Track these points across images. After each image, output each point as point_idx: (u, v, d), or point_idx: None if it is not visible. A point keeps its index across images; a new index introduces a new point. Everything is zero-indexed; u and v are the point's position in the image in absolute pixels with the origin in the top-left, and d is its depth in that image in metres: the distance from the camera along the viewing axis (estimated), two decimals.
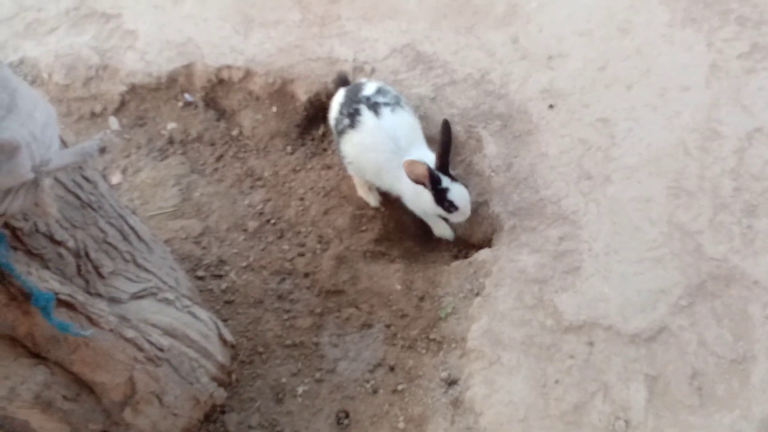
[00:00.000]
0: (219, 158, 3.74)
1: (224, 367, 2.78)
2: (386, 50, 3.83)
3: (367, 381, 2.91)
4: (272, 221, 3.47)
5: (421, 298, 3.13)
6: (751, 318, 2.77)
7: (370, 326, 3.08)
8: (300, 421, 2.81)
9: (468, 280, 3.10)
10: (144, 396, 2.29)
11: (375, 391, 2.88)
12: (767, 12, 3.67)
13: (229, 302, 3.13)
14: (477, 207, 3.29)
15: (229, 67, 3.82)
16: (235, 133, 3.83)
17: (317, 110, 3.77)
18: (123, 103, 3.84)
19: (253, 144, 3.79)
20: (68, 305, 1.98)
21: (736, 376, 2.64)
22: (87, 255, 2.23)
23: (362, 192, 3.49)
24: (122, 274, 2.41)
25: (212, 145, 3.78)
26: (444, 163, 3.02)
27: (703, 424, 2.55)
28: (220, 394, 2.69)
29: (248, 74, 3.81)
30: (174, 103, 3.85)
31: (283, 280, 3.24)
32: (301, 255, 3.34)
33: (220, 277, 3.21)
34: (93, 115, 3.82)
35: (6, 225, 1.84)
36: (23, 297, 1.82)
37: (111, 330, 2.13)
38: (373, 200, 3.48)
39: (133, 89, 3.82)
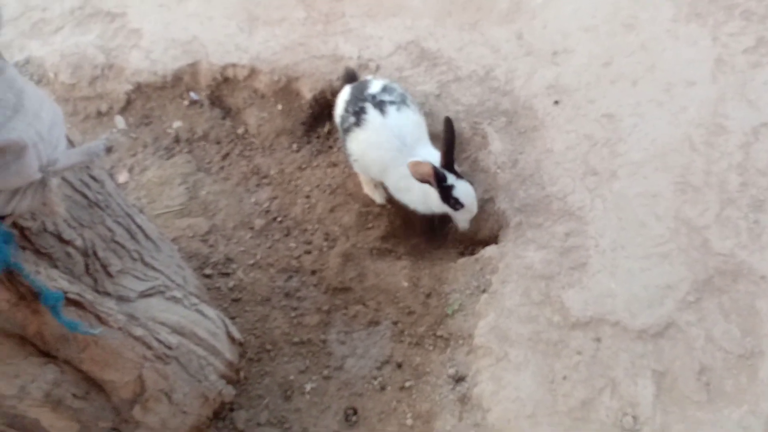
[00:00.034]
0: (225, 156, 3.74)
1: (232, 364, 2.79)
2: (391, 47, 3.83)
3: (375, 378, 2.92)
4: (279, 219, 3.48)
5: (428, 295, 3.14)
6: (758, 313, 2.77)
7: (377, 323, 3.09)
8: (308, 417, 2.82)
9: (475, 276, 3.11)
10: (153, 394, 2.30)
11: (383, 388, 2.88)
12: None
13: (236, 300, 3.14)
14: (483, 204, 3.30)
15: (234, 65, 3.82)
16: (240, 131, 3.83)
17: (322, 108, 3.77)
18: (129, 102, 3.84)
19: (259, 142, 3.79)
20: (77, 304, 1.98)
21: (744, 372, 2.64)
22: (95, 254, 2.23)
23: (368, 189, 3.50)
24: (130, 273, 2.41)
25: (218, 143, 3.79)
26: (449, 161, 3.02)
27: (710, 420, 2.55)
28: (229, 391, 2.70)
29: (253, 72, 3.81)
30: (179, 101, 3.86)
31: (290, 277, 3.24)
32: (308, 252, 3.34)
33: (227, 275, 3.22)
34: (99, 114, 3.83)
35: (14, 225, 1.85)
36: (32, 296, 1.82)
37: (120, 328, 2.13)
38: (379, 197, 3.48)
39: (138, 88, 3.83)
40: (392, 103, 3.14)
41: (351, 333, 3.06)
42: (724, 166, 3.17)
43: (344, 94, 3.31)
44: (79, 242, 2.15)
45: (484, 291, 3.03)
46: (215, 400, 2.63)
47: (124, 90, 3.82)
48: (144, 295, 2.42)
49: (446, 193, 3.02)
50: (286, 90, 3.79)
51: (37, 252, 1.99)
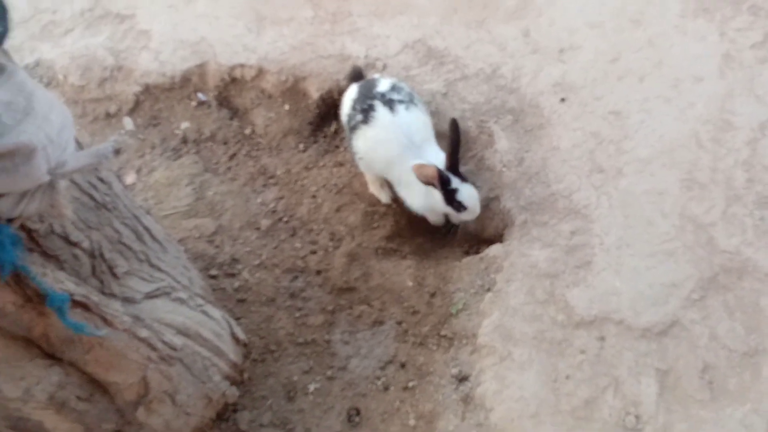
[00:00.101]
0: (232, 157, 3.76)
1: (236, 365, 2.81)
2: (398, 46, 3.84)
3: (379, 378, 2.93)
4: (285, 219, 3.50)
5: (433, 295, 3.15)
6: (763, 311, 2.76)
7: (381, 323, 3.10)
8: (311, 418, 2.83)
9: (479, 275, 3.11)
10: (157, 395, 2.32)
11: (386, 388, 2.89)
12: None
13: (241, 301, 3.15)
14: (488, 202, 3.30)
15: (241, 65, 3.84)
16: (247, 131, 3.85)
17: (329, 107, 3.77)
18: (137, 104, 3.87)
19: (266, 142, 3.81)
20: (83, 306, 2.00)
21: (748, 370, 2.63)
22: (102, 255, 2.25)
23: (374, 189, 3.51)
24: (136, 274, 2.43)
25: (225, 143, 3.81)
26: (454, 163, 3.03)
27: (714, 419, 2.54)
28: (233, 392, 2.72)
29: (261, 72, 3.82)
30: (187, 102, 3.88)
31: (296, 278, 3.26)
32: (314, 252, 3.36)
33: (232, 275, 3.24)
34: (108, 115, 3.86)
35: (22, 227, 1.87)
36: (38, 298, 1.84)
37: (125, 330, 2.16)
38: (384, 197, 3.49)
39: (147, 89, 3.86)
40: (401, 101, 3.15)
41: (355, 333, 3.08)
42: (730, 163, 3.15)
43: (351, 93, 3.33)
44: (86, 244, 2.17)
45: (488, 290, 3.03)
46: (219, 401, 2.65)
47: (132, 91, 3.85)
48: (150, 296, 2.45)
49: (450, 196, 3.03)
50: (293, 90, 3.81)
51: (45, 254, 2.01)
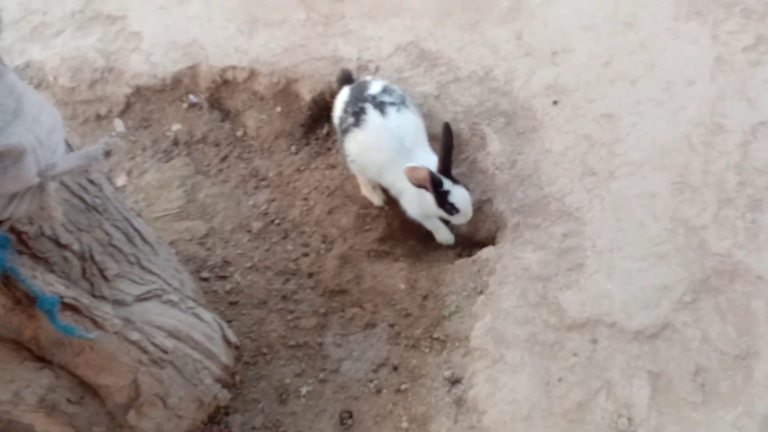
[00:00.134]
0: (223, 159, 3.76)
1: (228, 368, 2.80)
2: (390, 48, 3.83)
3: (371, 381, 2.92)
4: (277, 221, 3.49)
5: (425, 297, 3.14)
6: (754, 313, 2.76)
7: (374, 326, 3.09)
8: (303, 421, 2.82)
9: (472, 278, 3.11)
10: (148, 398, 2.31)
11: (378, 391, 2.89)
12: None
13: (233, 303, 3.14)
14: (481, 205, 3.30)
15: (233, 67, 3.83)
16: (239, 133, 3.84)
17: (321, 110, 3.77)
18: (128, 105, 3.86)
19: (258, 144, 3.80)
20: (73, 308, 2.00)
21: (740, 372, 2.63)
22: (92, 258, 2.25)
23: (366, 191, 3.50)
24: (127, 277, 2.43)
25: (217, 145, 3.80)
26: (446, 166, 3.02)
27: (705, 421, 2.54)
28: (224, 395, 2.71)
29: (253, 74, 3.82)
30: (179, 104, 3.87)
31: (288, 280, 3.25)
32: (306, 255, 3.35)
33: (224, 278, 3.23)
34: (98, 117, 3.85)
35: (11, 229, 1.86)
36: (28, 301, 1.84)
37: (115, 333, 2.15)
38: (377, 199, 3.48)
39: (138, 91, 3.85)
40: (392, 104, 3.15)
41: (347, 336, 3.07)
42: (722, 166, 3.16)
43: (343, 95, 3.32)
44: (76, 246, 2.17)
45: (481, 293, 3.03)
46: (210, 404, 2.64)
47: (123, 93, 3.83)
48: (140, 299, 2.44)
49: (442, 199, 3.03)
50: (285, 92, 3.80)
51: (34, 256, 2.01)
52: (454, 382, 2.82)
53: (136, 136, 3.83)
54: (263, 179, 3.66)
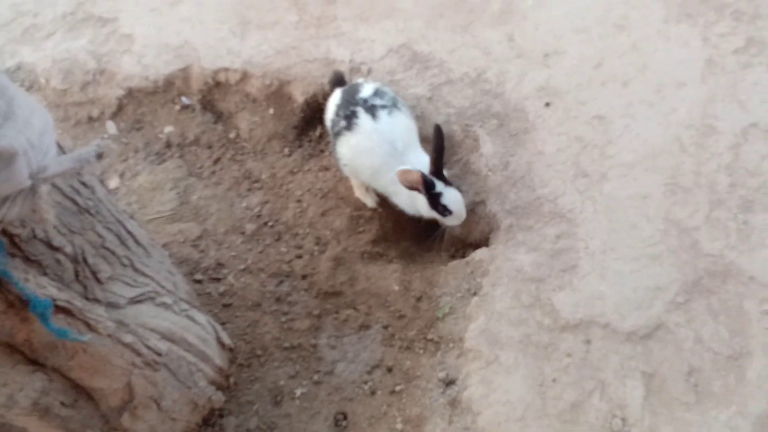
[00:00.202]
0: (216, 161, 3.75)
1: (222, 370, 2.79)
2: (383, 50, 3.84)
3: (365, 382, 2.92)
4: (270, 223, 3.48)
5: (419, 299, 3.15)
6: (747, 314, 2.77)
7: (368, 327, 3.10)
8: (298, 423, 2.82)
9: (465, 279, 3.11)
10: (142, 401, 2.30)
11: (373, 393, 2.89)
12: (763, 6, 3.66)
13: (227, 305, 3.14)
14: (474, 206, 3.30)
15: (226, 69, 3.82)
16: (232, 135, 3.84)
17: (314, 112, 3.77)
18: (120, 107, 3.85)
19: (251, 146, 3.80)
20: (66, 311, 1.99)
21: (732, 372, 2.65)
22: (85, 260, 2.24)
23: (359, 193, 3.50)
24: (120, 279, 2.42)
25: (209, 147, 3.79)
26: (438, 168, 3.03)
27: (699, 421, 2.55)
28: (219, 397, 2.70)
29: (245, 76, 3.81)
30: (171, 106, 3.86)
31: (281, 282, 3.25)
32: (299, 257, 3.35)
33: (218, 280, 3.22)
34: (90, 119, 3.84)
35: (4, 232, 1.86)
36: (21, 304, 1.83)
37: (109, 335, 2.14)
38: (370, 201, 3.49)
39: (130, 93, 3.84)
40: (384, 107, 3.14)
41: (341, 337, 3.07)
42: (713, 167, 3.18)
43: (335, 98, 3.31)
44: (68, 249, 2.16)
45: (474, 294, 3.03)
46: (205, 406, 2.63)
47: (115, 95, 3.82)
48: (134, 301, 2.43)
49: (435, 200, 3.03)
50: (278, 94, 3.80)
51: (27, 259, 2.00)
52: (449, 383, 2.82)
53: (129, 138, 3.81)
54: (256, 181, 3.66)
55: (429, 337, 3.00)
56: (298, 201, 3.55)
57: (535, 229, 3.14)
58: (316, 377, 2.95)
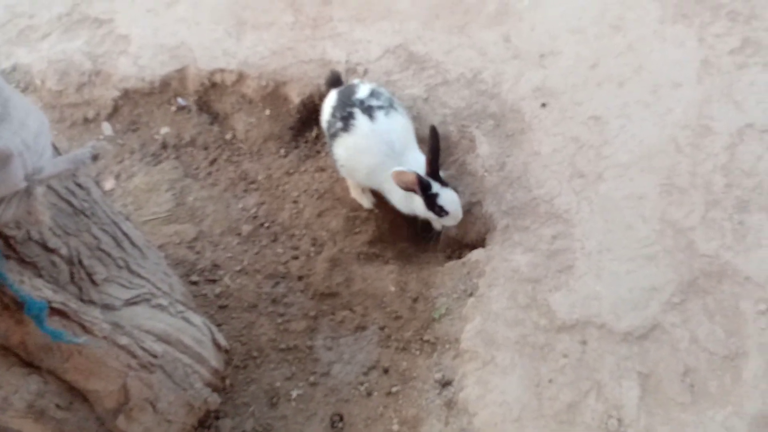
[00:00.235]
0: (212, 162, 3.74)
1: (218, 372, 2.79)
2: (379, 51, 3.84)
3: (362, 384, 2.92)
4: (266, 225, 3.48)
5: (415, 300, 3.15)
6: (742, 314, 2.78)
7: (364, 328, 3.09)
8: (294, 425, 2.82)
9: (461, 280, 3.11)
10: (137, 403, 2.30)
11: (369, 394, 2.89)
12: (758, 6, 3.66)
13: (223, 307, 3.13)
14: (470, 207, 3.30)
15: (222, 70, 3.82)
16: (228, 136, 3.83)
17: (310, 112, 3.77)
18: (116, 109, 3.84)
19: (247, 147, 3.80)
20: (61, 313, 1.99)
21: (728, 373, 2.65)
22: (80, 262, 2.23)
23: (356, 194, 3.50)
24: (116, 281, 2.41)
25: (206, 149, 3.79)
26: (434, 169, 3.02)
27: (695, 421, 2.56)
28: (214, 399, 2.70)
29: (241, 77, 3.81)
30: (167, 107, 3.86)
31: (277, 283, 3.25)
32: (295, 258, 3.35)
33: (214, 281, 3.22)
34: (86, 120, 3.83)
35: None
36: (16, 306, 1.83)
37: (104, 337, 2.13)
38: (366, 202, 3.48)
39: (126, 94, 3.83)
40: (380, 108, 3.14)
41: (338, 339, 3.07)
42: (709, 168, 3.18)
43: (331, 99, 3.30)
44: (64, 251, 2.15)
45: (470, 295, 3.03)
46: (200, 408, 2.63)
47: (111, 96, 3.82)
48: (130, 303, 2.43)
49: (431, 201, 3.03)
50: (274, 95, 3.79)
51: (22, 261, 1.99)
52: (445, 384, 2.82)
53: (124, 140, 3.81)
54: (252, 182, 3.65)
55: (425, 338, 3.00)
56: (295, 202, 3.55)
57: (531, 230, 3.14)
58: (312, 379, 2.95)
